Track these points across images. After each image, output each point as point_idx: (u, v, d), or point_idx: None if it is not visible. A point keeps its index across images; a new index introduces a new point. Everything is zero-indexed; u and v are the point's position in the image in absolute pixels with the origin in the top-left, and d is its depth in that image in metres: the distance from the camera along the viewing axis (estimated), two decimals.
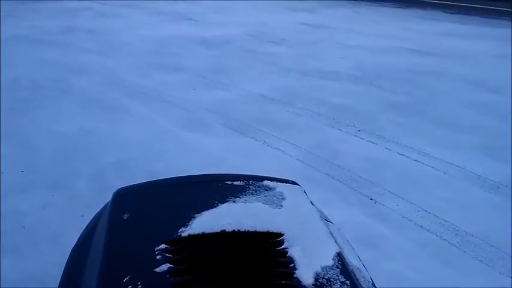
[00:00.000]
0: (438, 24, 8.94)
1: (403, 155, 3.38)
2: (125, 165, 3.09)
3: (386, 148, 3.49)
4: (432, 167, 3.21)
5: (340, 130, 3.82)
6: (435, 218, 2.61)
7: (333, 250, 0.97)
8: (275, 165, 3.14)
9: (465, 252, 2.36)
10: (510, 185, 2.99)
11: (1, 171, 2.95)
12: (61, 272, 1.09)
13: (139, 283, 0.85)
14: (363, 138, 3.66)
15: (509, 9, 10.30)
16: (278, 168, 3.05)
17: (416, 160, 3.31)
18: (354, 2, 11.94)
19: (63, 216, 2.50)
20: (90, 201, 2.61)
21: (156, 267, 0.89)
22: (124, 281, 0.86)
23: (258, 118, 4.02)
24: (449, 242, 2.41)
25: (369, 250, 2.28)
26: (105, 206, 1.22)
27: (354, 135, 3.72)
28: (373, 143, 3.59)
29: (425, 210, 2.68)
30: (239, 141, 3.57)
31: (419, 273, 2.18)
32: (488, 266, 2.26)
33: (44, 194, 2.72)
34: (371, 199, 2.80)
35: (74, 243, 1.18)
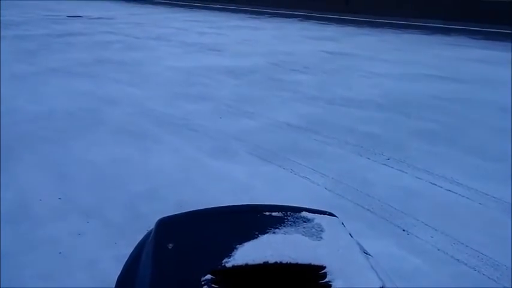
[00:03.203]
0: (464, 50, 8.89)
1: (435, 185, 3.31)
2: (154, 193, 3.13)
3: (417, 177, 3.43)
4: (467, 198, 3.13)
5: (369, 158, 3.79)
6: (472, 251, 2.52)
7: (376, 284, 0.96)
8: (303, 194, 3.12)
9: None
10: None
11: (39, 199, 3.03)
12: None
13: None
14: (392, 167, 3.61)
15: None
16: (306, 197, 3.03)
17: (449, 190, 3.23)
18: (378, 29, 12.03)
19: (97, 243, 2.53)
20: (122, 228, 2.65)
21: None
22: None
23: (284, 146, 4.03)
24: (488, 277, 2.32)
25: (402, 283, 2.22)
26: (148, 235, 1.24)
27: (383, 164, 3.68)
28: (403, 171, 3.53)
29: (462, 243, 2.59)
30: (266, 169, 3.58)
31: None
32: None
33: (79, 221, 2.77)
34: (403, 230, 2.74)
35: (119, 273, 1.20)
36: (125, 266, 1.19)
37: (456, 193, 3.17)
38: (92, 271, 2.24)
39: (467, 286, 2.25)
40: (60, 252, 2.45)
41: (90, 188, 3.20)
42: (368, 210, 2.96)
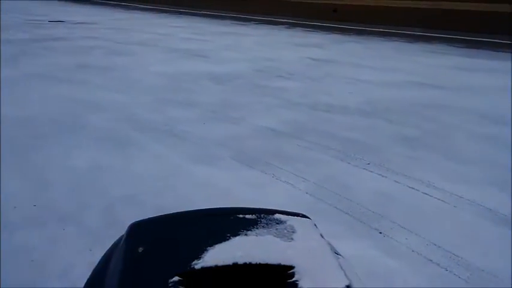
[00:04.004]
0: (446, 58, 9.07)
1: (413, 188, 3.37)
2: (134, 199, 3.13)
3: (395, 181, 3.49)
4: (442, 201, 3.20)
5: (350, 163, 3.84)
6: (445, 252, 2.58)
7: (343, 283, 0.99)
8: (284, 199, 3.15)
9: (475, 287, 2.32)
10: None
11: (13, 206, 3.00)
12: None
13: None
14: (372, 172, 3.67)
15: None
16: (287, 202, 3.06)
17: (425, 193, 3.30)
18: (364, 37, 12.20)
19: (72, 250, 2.52)
20: (99, 235, 2.64)
21: None
22: None
23: (267, 151, 4.07)
24: (459, 277, 2.37)
25: (378, 283, 2.26)
26: (120, 238, 1.25)
27: (364, 169, 3.73)
28: (383, 176, 3.60)
29: (435, 244, 2.66)
30: (248, 174, 3.61)
31: None
32: None
33: (54, 228, 2.75)
34: (380, 232, 2.79)
35: (88, 276, 1.21)
36: (94, 270, 1.20)
37: (432, 196, 3.24)
38: (65, 278, 2.24)
39: (439, 285, 2.30)
40: (32, 260, 2.43)
41: (68, 195, 3.18)
42: (347, 213, 3.01)
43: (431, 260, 2.52)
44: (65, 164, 3.71)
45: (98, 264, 1.27)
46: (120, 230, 1.22)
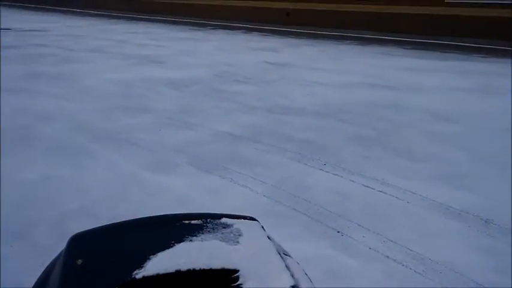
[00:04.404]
0: (397, 60, 9.38)
1: (368, 187, 3.45)
2: (88, 210, 3.02)
3: (351, 180, 3.56)
4: (396, 197, 3.29)
5: (306, 164, 3.88)
6: (400, 248, 2.65)
7: (288, 283, 0.98)
8: (242, 203, 3.14)
9: (431, 279, 2.39)
10: (471, 211, 3.08)
11: None
12: None
13: None
14: (328, 172, 3.73)
15: (464, 44, 10.94)
16: (245, 205, 3.04)
17: (380, 191, 3.38)
18: (318, 40, 12.43)
19: (21, 267, 2.40)
20: (49, 250, 2.52)
21: None
22: None
23: (225, 156, 4.04)
24: (415, 271, 2.44)
25: (336, 282, 2.29)
26: (61, 252, 1.20)
27: (320, 169, 3.78)
28: (339, 175, 3.66)
29: (391, 240, 2.72)
30: (206, 180, 3.57)
31: None
32: None
33: (1, 245, 2.61)
34: (338, 232, 2.83)
35: None
36: (34, 284, 1.14)
37: (386, 193, 3.33)
38: None
39: (396, 280, 2.35)
40: None
41: (16, 209, 3.03)
42: (304, 214, 3.03)
43: (388, 257, 2.57)
44: (13, 177, 3.53)
45: (38, 278, 1.21)
46: None
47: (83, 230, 1.33)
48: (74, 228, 2.73)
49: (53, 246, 2.54)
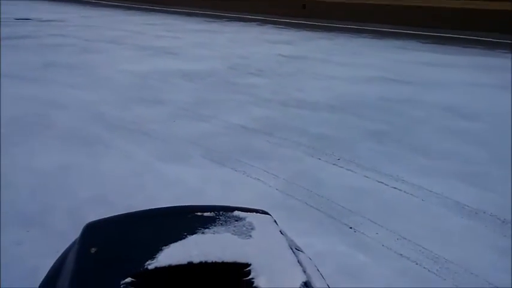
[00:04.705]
0: (414, 54, 9.23)
1: (382, 183, 3.41)
2: (103, 199, 3.04)
3: (365, 176, 3.52)
4: (411, 194, 3.24)
5: (320, 159, 3.85)
6: (414, 246, 2.61)
7: (300, 279, 0.97)
8: (254, 196, 3.13)
9: (445, 280, 2.36)
10: (488, 211, 3.02)
11: None
12: None
13: None
14: (342, 167, 3.69)
15: (482, 38, 10.72)
16: (257, 199, 3.04)
17: (394, 187, 3.34)
18: (334, 33, 12.30)
19: (38, 252, 2.44)
20: (65, 236, 2.55)
21: None
22: None
23: (238, 149, 4.04)
24: (428, 270, 2.41)
25: (348, 280, 2.27)
26: (76, 240, 1.21)
27: (333, 164, 3.75)
28: (352, 171, 3.62)
29: (405, 238, 2.69)
30: (219, 172, 3.57)
31: None
32: None
33: (19, 230, 2.65)
34: (350, 228, 2.80)
35: (43, 279, 1.16)
36: (49, 271, 1.15)
37: (401, 190, 3.28)
38: (31, 280, 2.15)
39: (409, 279, 2.32)
40: None
41: (33, 196, 3.07)
42: (317, 209, 3.01)
43: (401, 254, 2.54)
44: (30, 165, 3.58)
45: (53, 265, 1.22)
46: None
47: (97, 218, 1.35)
48: (89, 217, 2.77)
49: (68, 233, 2.59)
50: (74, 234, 2.63)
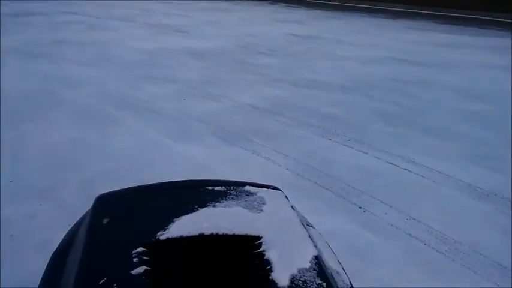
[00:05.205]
0: (428, 34, 9.06)
1: (392, 164, 3.38)
2: (114, 174, 3.06)
3: (375, 157, 3.50)
4: (422, 176, 3.22)
5: (330, 139, 3.83)
6: (424, 226, 2.61)
7: (311, 253, 0.97)
8: (264, 174, 3.12)
9: (454, 260, 2.35)
10: (500, 193, 2.99)
11: None
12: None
13: (115, 285, 0.84)
14: (352, 148, 3.67)
15: (500, 19, 10.46)
16: (266, 177, 3.00)
17: (405, 169, 3.31)
18: (345, 13, 12.10)
19: (49, 224, 2.47)
20: (76, 209, 2.58)
21: (133, 270, 0.88)
22: (100, 283, 0.85)
23: (248, 128, 4.02)
24: (437, 251, 2.40)
25: (356, 259, 2.27)
26: (87, 211, 1.21)
27: (344, 145, 3.73)
28: (363, 152, 3.60)
29: (414, 219, 2.68)
30: (228, 151, 3.57)
31: (408, 282, 2.16)
32: (477, 274, 2.25)
33: (32, 203, 2.69)
34: (360, 207, 2.80)
35: (56, 248, 1.17)
36: (61, 241, 1.17)
37: (412, 171, 3.26)
38: (42, 251, 2.18)
39: (416, 260, 2.32)
40: (11, 235, 2.38)
41: (45, 170, 3.10)
42: (327, 189, 3.00)
43: (410, 235, 2.54)
44: (41, 140, 3.61)
45: (65, 235, 1.23)
46: None
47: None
48: (100, 191, 2.79)
49: (80, 206, 2.62)
50: (85, 207, 2.67)
